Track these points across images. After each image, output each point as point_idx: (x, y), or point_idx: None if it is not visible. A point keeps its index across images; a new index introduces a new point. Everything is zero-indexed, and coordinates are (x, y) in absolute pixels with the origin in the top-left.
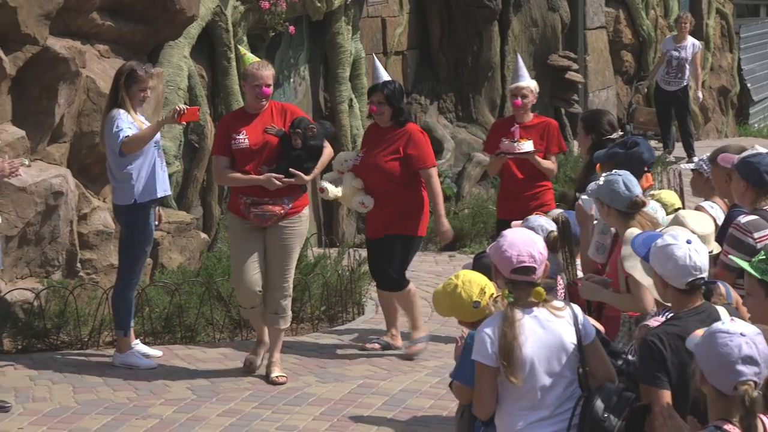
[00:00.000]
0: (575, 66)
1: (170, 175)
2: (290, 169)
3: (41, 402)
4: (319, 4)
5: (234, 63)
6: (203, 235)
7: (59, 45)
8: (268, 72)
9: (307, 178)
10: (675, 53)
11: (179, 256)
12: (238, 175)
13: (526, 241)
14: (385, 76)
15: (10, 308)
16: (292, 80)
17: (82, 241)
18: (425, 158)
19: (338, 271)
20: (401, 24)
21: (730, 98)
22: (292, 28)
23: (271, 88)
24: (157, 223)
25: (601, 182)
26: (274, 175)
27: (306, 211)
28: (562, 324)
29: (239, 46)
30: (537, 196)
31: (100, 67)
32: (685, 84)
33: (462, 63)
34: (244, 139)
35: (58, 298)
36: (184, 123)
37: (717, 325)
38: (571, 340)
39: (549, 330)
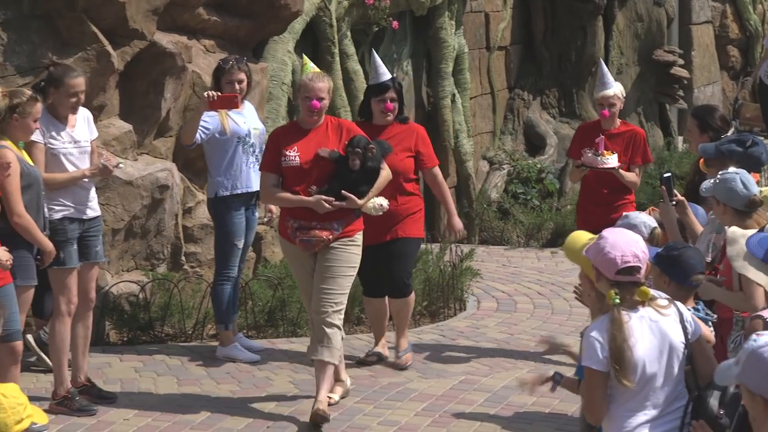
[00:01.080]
0: (681, 61)
1: None
2: (342, 191)
3: (146, 394)
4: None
5: (338, 58)
6: None
7: (166, 40)
8: (322, 84)
9: (360, 202)
10: None
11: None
12: (286, 194)
13: (628, 242)
14: (387, 73)
15: (116, 300)
16: (394, 75)
17: (187, 234)
18: (433, 156)
19: (440, 267)
20: (505, 19)
21: None
22: (395, 23)
23: (325, 102)
24: (267, 217)
25: (717, 180)
26: (324, 197)
27: (359, 237)
28: (669, 322)
29: (304, 55)
30: (618, 208)
31: (205, 62)
32: None
33: (565, 58)
34: (295, 156)
35: (163, 291)
36: (219, 111)
37: (752, 343)
38: (678, 338)
39: (657, 329)
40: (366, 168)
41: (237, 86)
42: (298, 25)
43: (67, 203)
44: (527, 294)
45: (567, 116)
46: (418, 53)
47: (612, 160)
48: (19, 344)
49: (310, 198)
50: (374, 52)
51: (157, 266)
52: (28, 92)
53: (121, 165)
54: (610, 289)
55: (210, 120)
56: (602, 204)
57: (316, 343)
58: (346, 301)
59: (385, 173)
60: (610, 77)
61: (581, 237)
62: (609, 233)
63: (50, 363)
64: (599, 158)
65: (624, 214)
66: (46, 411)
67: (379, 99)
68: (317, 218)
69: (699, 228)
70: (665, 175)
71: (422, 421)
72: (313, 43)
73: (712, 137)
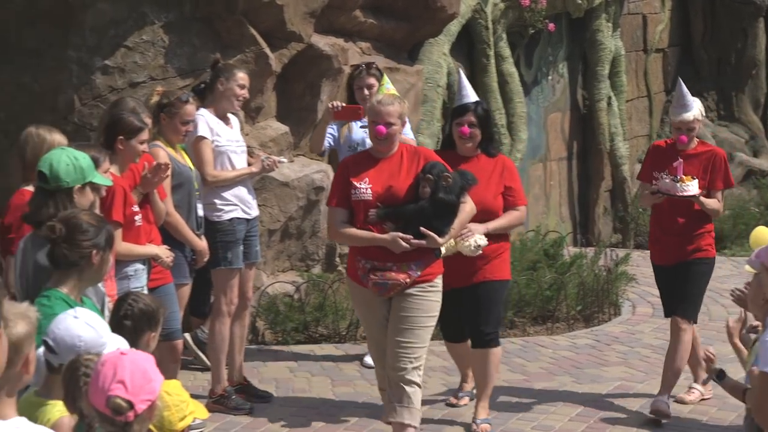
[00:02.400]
0: None
1: None
2: (421, 228)
3: (300, 393)
4: (580, 1)
5: (493, 61)
6: None
7: (323, 42)
8: (392, 108)
9: (442, 241)
10: None
11: None
12: (357, 231)
13: None
14: (473, 95)
15: (272, 300)
16: (550, 78)
17: None
18: (523, 194)
19: (594, 271)
20: (663, 21)
21: None
22: (551, 26)
23: (395, 127)
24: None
25: None
26: (401, 234)
27: (439, 282)
28: None
29: (384, 74)
30: (693, 239)
31: None
32: None
33: (725, 60)
34: (366, 188)
35: (318, 292)
36: (343, 121)
37: None
38: None
39: None
40: (436, 199)
41: (366, 91)
42: (453, 27)
43: (236, 202)
44: None
45: (726, 119)
46: (573, 56)
47: (692, 187)
48: (179, 343)
49: (385, 236)
50: (462, 72)
51: (312, 267)
52: (180, 93)
53: (283, 160)
54: None
55: (335, 128)
56: (678, 234)
57: (393, 403)
58: (425, 355)
59: (469, 207)
60: (689, 97)
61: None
62: None
63: (207, 361)
64: (678, 185)
65: None
66: None
67: (457, 122)
68: (393, 258)
69: None
70: None
71: (576, 426)
72: (469, 46)
73: None
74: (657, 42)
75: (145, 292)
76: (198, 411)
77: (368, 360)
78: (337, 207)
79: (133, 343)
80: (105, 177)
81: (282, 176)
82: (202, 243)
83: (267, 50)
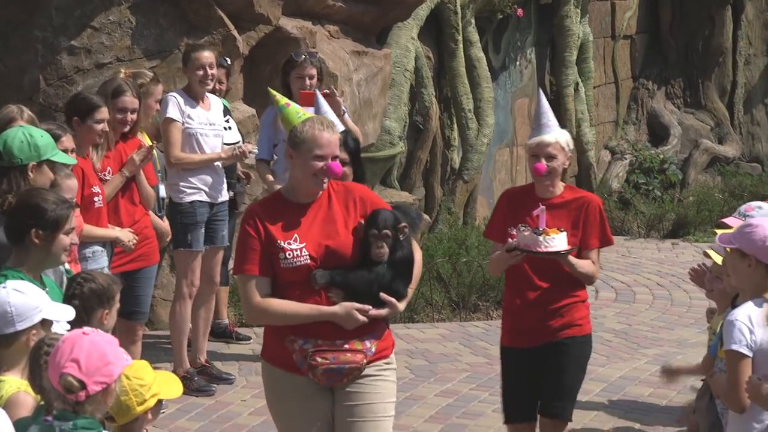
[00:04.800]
0: None
1: (395, 156)
2: (382, 294)
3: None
4: None
5: (461, 45)
6: (425, 216)
7: (291, 25)
8: (337, 137)
9: (401, 306)
10: None
11: None
12: (293, 306)
13: None
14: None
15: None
16: (518, 63)
17: None
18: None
19: None
20: (631, 7)
21: None
22: (520, 11)
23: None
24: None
25: None
26: (356, 305)
27: (393, 359)
28: None
29: (270, 90)
30: (562, 312)
31: (330, 48)
32: None
33: (692, 48)
34: (300, 249)
35: None
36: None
37: None
38: None
39: None
40: (395, 260)
41: (307, 81)
42: (422, 11)
43: (200, 186)
44: (646, 285)
45: (692, 107)
46: (541, 41)
47: (559, 242)
48: (138, 325)
49: (335, 308)
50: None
51: None
52: (150, 73)
53: (254, 151)
54: None
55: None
56: (539, 305)
57: None
58: None
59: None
60: (551, 116)
61: None
62: (759, 221)
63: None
64: (541, 238)
65: (757, 204)
66: None
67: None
68: (343, 334)
69: None
70: None
71: None
72: (437, 30)
73: None
74: (625, 29)
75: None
76: (165, 391)
77: None
78: (259, 276)
79: (86, 322)
80: (68, 156)
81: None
82: (163, 224)
83: (234, 32)
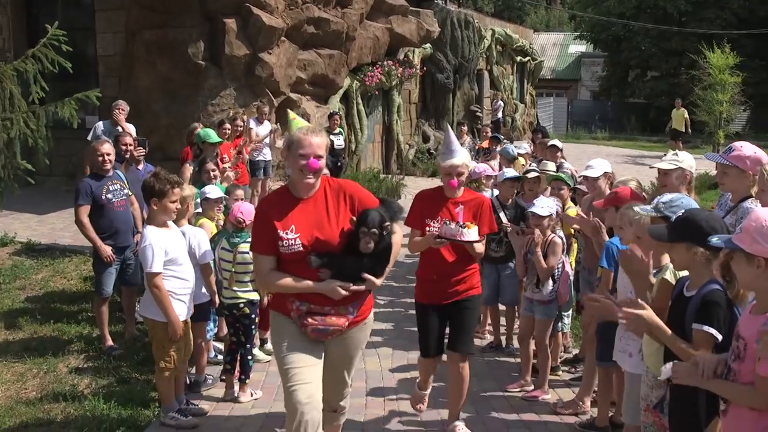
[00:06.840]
0: None
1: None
2: (363, 274)
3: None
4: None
5: (355, 105)
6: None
7: None
8: (320, 140)
9: (379, 282)
10: None
11: None
12: (291, 281)
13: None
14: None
15: None
16: (376, 111)
17: None
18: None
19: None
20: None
21: None
22: (377, 92)
23: (322, 161)
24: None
25: None
26: (339, 283)
27: (371, 316)
28: None
29: (288, 110)
30: (465, 279)
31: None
32: None
33: None
34: (295, 239)
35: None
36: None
37: None
38: None
39: None
40: (381, 250)
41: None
42: (342, 90)
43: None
44: None
45: None
46: (384, 103)
47: (474, 233)
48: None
49: (322, 284)
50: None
51: None
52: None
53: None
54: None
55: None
56: (449, 275)
57: (329, 411)
58: None
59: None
60: (457, 144)
61: None
62: (762, 212)
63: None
64: (464, 230)
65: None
66: None
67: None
68: (331, 303)
69: None
70: None
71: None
72: (346, 99)
73: None
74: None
75: None
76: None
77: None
78: (265, 255)
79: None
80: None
81: None
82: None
83: None
